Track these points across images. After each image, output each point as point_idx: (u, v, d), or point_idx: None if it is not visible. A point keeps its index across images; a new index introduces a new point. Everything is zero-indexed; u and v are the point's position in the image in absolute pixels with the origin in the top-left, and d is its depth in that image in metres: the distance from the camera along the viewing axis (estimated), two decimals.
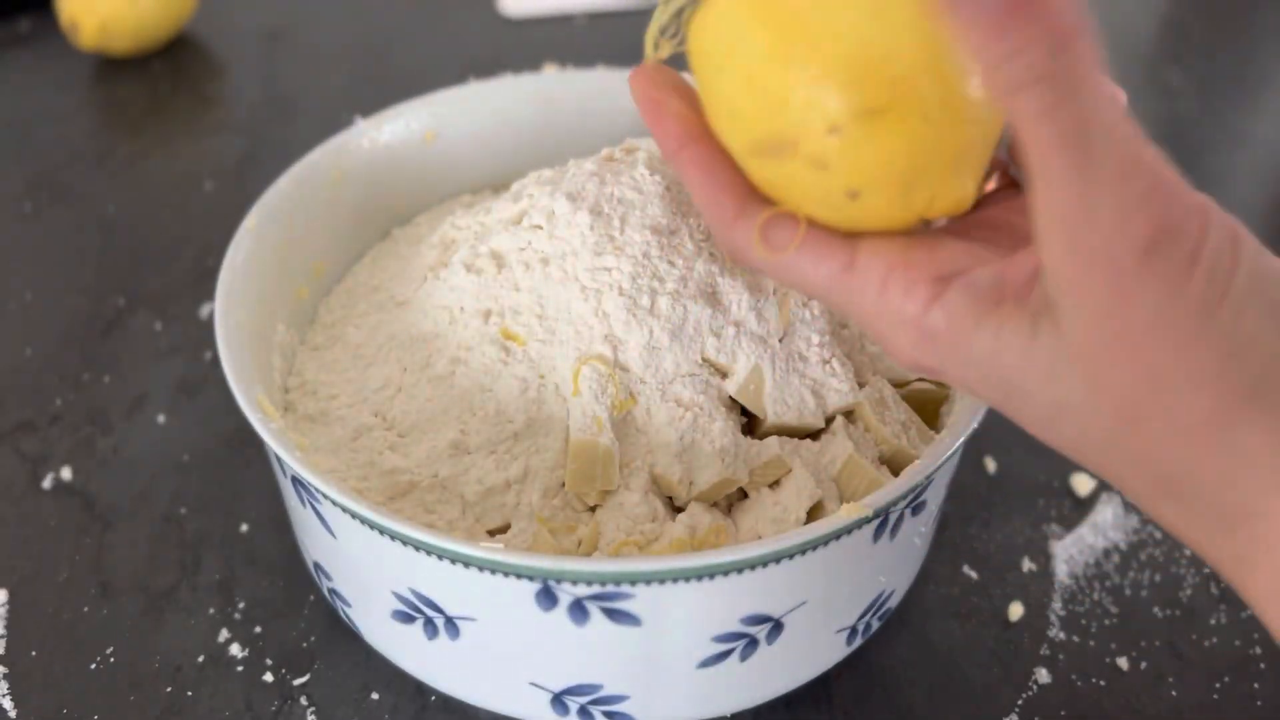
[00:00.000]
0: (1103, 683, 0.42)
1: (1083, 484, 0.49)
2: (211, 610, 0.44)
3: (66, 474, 0.49)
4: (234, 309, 0.39)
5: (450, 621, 0.35)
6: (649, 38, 0.32)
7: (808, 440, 0.38)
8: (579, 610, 0.33)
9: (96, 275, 0.60)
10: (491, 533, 0.37)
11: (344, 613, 0.40)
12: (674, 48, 0.31)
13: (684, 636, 0.34)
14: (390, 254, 0.48)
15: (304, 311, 0.45)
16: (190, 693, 0.41)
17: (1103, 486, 0.49)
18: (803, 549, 0.33)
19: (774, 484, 0.37)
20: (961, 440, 0.35)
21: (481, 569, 0.32)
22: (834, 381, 0.39)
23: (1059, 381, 0.26)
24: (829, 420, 0.39)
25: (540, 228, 0.39)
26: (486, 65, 0.56)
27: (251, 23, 0.83)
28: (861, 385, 0.40)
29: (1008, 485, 0.49)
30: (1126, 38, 0.83)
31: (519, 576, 0.32)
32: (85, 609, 0.44)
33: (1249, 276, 0.24)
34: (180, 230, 0.63)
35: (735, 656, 0.35)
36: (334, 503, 0.34)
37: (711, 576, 0.32)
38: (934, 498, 0.38)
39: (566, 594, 0.32)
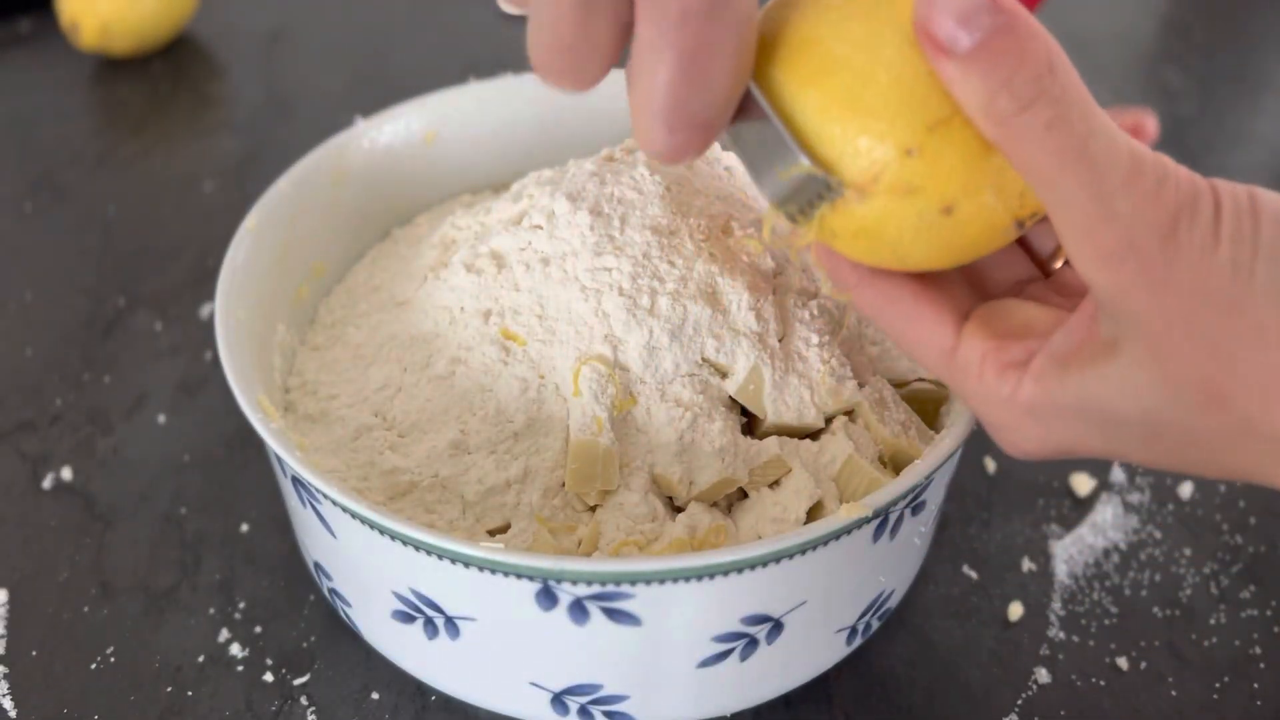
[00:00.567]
0: (1102, 683, 0.42)
1: (1082, 484, 0.49)
2: (212, 610, 0.44)
3: (67, 474, 0.49)
4: (234, 309, 0.39)
5: (450, 621, 0.35)
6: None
7: (807, 440, 0.38)
8: (579, 610, 0.33)
9: (97, 275, 0.60)
10: (491, 533, 0.37)
11: (344, 613, 0.40)
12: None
13: (684, 636, 0.34)
14: (390, 254, 0.48)
15: (304, 311, 0.45)
16: (190, 692, 0.41)
17: (1102, 486, 0.49)
18: (803, 549, 0.33)
19: (774, 484, 0.37)
20: (961, 440, 0.35)
21: (481, 569, 0.32)
22: (834, 381, 0.39)
23: (1142, 393, 0.26)
24: (829, 420, 0.39)
25: (540, 228, 0.39)
26: (486, 65, 0.56)
27: (252, 23, 0.83)
28: (861, 385, 0.40)
29: (1008, 485, 0.49)
30: (1126, 38, 0.83)
31: (519, 576, 0.32)
32: (85, 609, 0.44)
33: (1276, 227, 0.25)
34: (180, 230, 0.63)
35: (735, 656, 0.35)
36: (334, 503, 0.34)
37: (711, 576, 0.32)
38: (934, 498, 0.38)
39: (566, 594, 0.32)
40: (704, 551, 0.32)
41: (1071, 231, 0.26)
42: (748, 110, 0.29)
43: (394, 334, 0.41)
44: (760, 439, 0.38)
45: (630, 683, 0.35)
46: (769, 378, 0.38)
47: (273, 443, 0.34)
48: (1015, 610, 0.44)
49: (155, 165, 0.69)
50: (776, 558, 0.32)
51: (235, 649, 0.42)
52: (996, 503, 0.48)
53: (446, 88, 0.50)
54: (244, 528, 0.47)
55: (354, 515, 0.33)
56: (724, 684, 0.36)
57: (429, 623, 0.36)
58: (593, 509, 0.37)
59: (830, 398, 0.39)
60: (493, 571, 0.32)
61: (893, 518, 0.35)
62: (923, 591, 0.44)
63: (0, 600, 0.44)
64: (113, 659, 0.42)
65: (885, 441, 0.38)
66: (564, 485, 0.37)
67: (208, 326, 0.56)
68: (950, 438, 0.35)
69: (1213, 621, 0.44)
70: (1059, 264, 0.33)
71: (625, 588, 0.32)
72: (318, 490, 0.34)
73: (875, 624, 0.40)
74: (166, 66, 0.78)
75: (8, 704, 0.40)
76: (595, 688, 0.35)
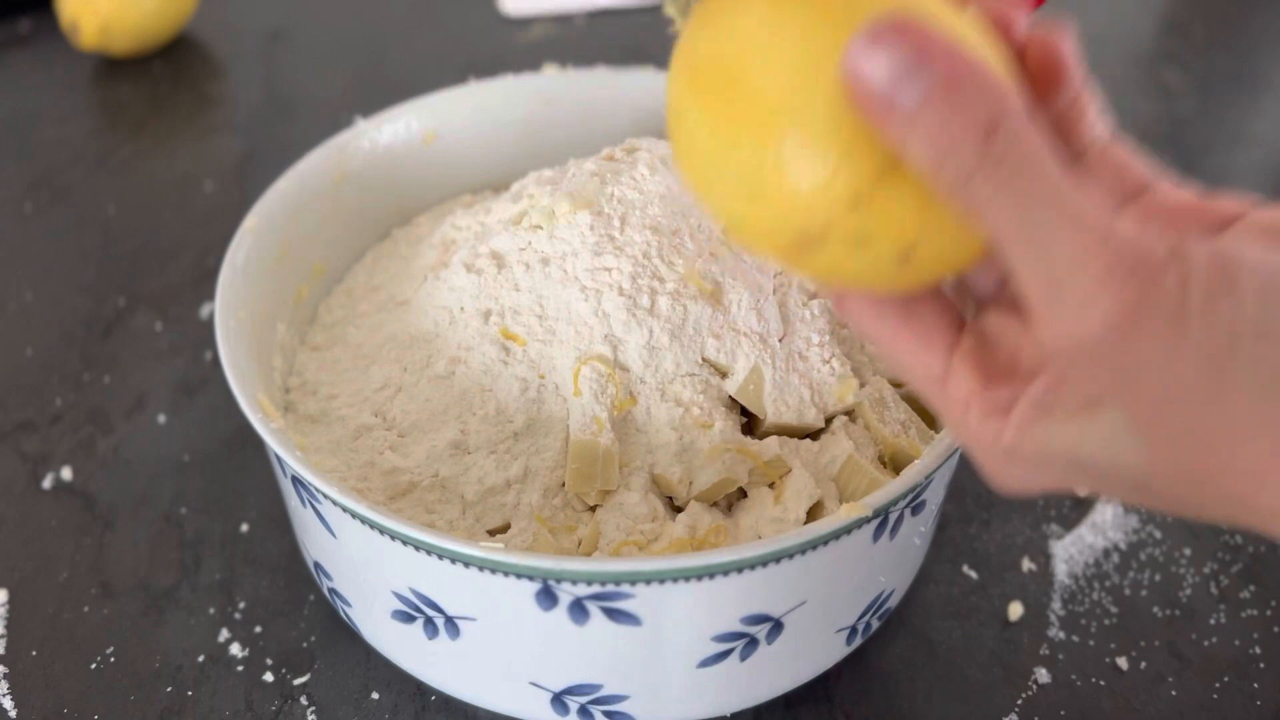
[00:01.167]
0: (1102, 683, 0.42)
1: None
2: (212, 610, 0.44)
3: (67, 474, 0.49)
4: (234, 309, 0.39)
5: (450, 621, 0.35)
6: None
7: (808, 440, 0.39)
8: (579, 610, 0.33)
9: (97, 275, 0.60)
10: (492, 532, 0.37)
11: (344, 612, 0.40)
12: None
13: (684, 636, 0.34)
14: (390, 254, 0.48)
15: (304, 311, 0.45)
16: (190, 692, 0.41)
17: None
18: (803, 549, 0.33)
19: (774, 484, 0.37)
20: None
21: (482, 569, 0.32)
22: (834, 381, 0.39)
23: (1126, 458, 0.25)
24: (829, 420, 0.39)
25: (540, 228, 0.39)
26: (486, 65, 0.56)
27: (252, 23, 0.83)
28: (861, 385, 0.40)
29: None
30: (1126, 38, 0.83)
31: (519, 576, 0.32)
32: (86, 609, 0.44)
33: (1260, 299, 0.22)
34: (180, 230, 0.63)
35: (735, 656, 0.35)
36: (334, 502, 0.34)
37: (711, 576, 0.32)
38: (934, 498, 0.38)
39: (566, 594, 0.32)
40: (704, 551, 0.32)
41: (1029, 303, 0.24)
42: None
43: (394, 334, 0.41)
44: (760, 439, 0.38)
45: (630, 682, 0.35)
46: (769, 378, 0.38)
47: (273, 443, 0.34)
48: (1015, 610, 0.44)
49: (155, 165, 0.69)
50: (776, 558, 0.32)
51: (235, 649, 0.42)
52: (996, 503, 0.48)
53: (446, 88, 0.50)
54: (244, 528, 0.47)
55: (354, 515, 0.33)
56: (724, 684, 0.36)
57: (429, 622, 0.36)
58: (593, 509, 0.37)
59: (841, 385, 0.38)
60: (493, 571, 0.32)
61: (893, 517, 0.35)
62: (923, 591, 0.44)
63: (0, 600, 0.44)
64: (113, 659, 0.42)
65: (885, 441, 0.38)
66: (564, 485, 0.37)
67: (208, 326, 0.56)
68: (950, 437, 0.35)
69: (1213, 621, 0.44)
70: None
71: (625, 588, 0.32)
72: (318, 490, 0.34)
73: (875, 624, 0.40)
74: (166, 66, 0.78)
75: (8, 704, 0.40)
76: (595, 687, 0.35)
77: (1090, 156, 0.27)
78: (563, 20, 0.83)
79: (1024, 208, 0.23)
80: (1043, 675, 0.42)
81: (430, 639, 0.36)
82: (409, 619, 0.36)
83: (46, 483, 0.49)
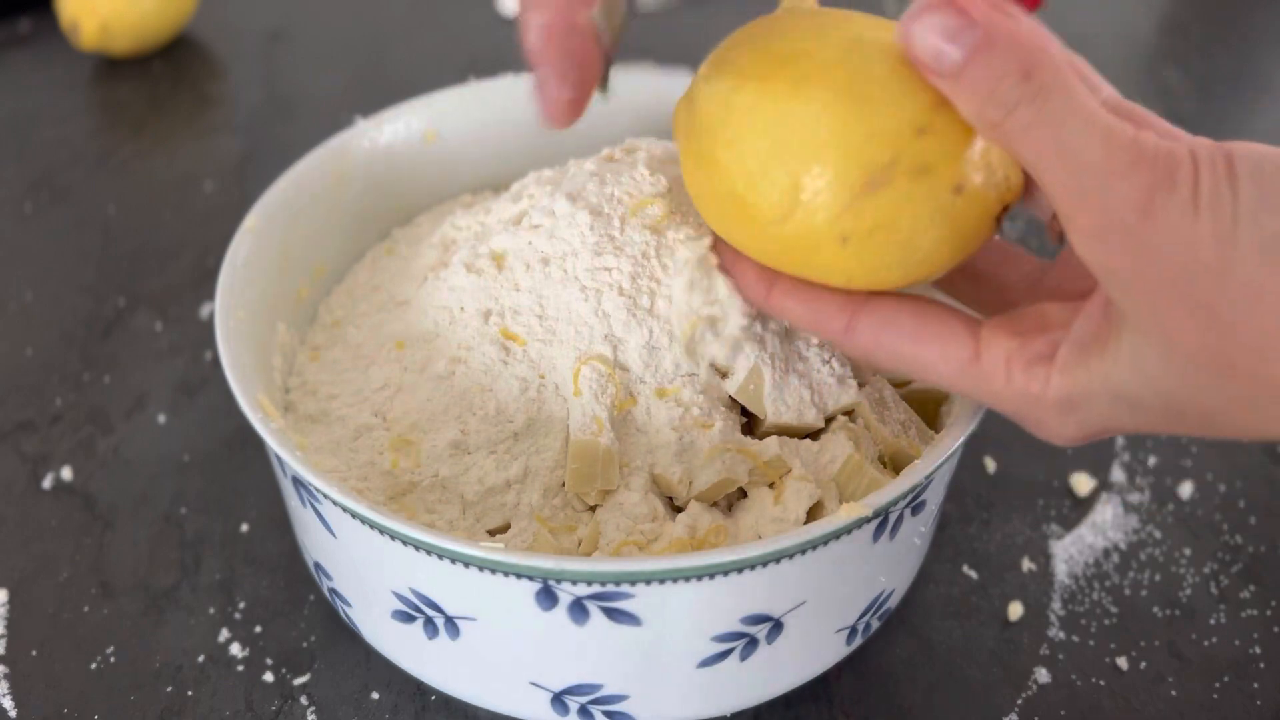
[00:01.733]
0: (1102, 683, 0.42)
1: (1082, 484, 0.49)
2: (212, 610, 0.44)
3: (67, 474, 0.49)
4: (234, 309, 0.39)
5: (450, 621, 0.35)
6: None
7: (807, 440, 0.38)
8: (579, 610, 0.33)
9: (97, 275, 0.60)
10: (491, 532, 0.37)
11: (344, 613, 0.40)
12: None
13: (684, 636, 0.34)
14: (390, 254, 0.48)
15: (304, 311, 0.45)
16: (190, 692, 0.41)
17: (1102, 486, 0.49)
18: (803, 549, 0.33)
19: (774, 484, 0.37)
20: (961, 440, 0.35)
21: (481, 569, 0.32)
22: (834, 381, 0.39)
23: (1153, 372, 0.27)
24: (829, 420, 0.39)
25: (540, 228, 0.39)
26: (486, 65, 0.56)
27: (252, 23, 0.83)
28: (861, 385, 0.40)
29: (1007, 485, 0.49)
30: (1126, 38, 0.83)
31: (519, 576, 0.32)
32: (85, 609, 0.44)
33: (1257, 188, 0.25)
34: (180, 230, 0.63)
35: (735, 656, 0.35)
36: (334, 502, 0.34)
37: (711, 576, 0.32)
38: (934, 498, 0.38)
39: (566, 594, 0.32)
40: (704, 551, 0.32)
41: (1063, 215, 0.27)
42: None
43: (394, 334, 0.41)
44: (760, 439, 0.38)
45: (630, 682, 0.35)
46: (769, 378, 0.38)
47: (273, 443, 0.34)
48: (1015, 610, 0.44)
49: (155, 165, 0.69)
50: (776, 558, 0.32)
51: (235, 649, 0.42)
52: (996, 503, 0.48)
53: (446, 88, 0.50)
54: (244, 528, 0.47)
55: (354, 515, 0.33)
56: (724, 684, 0.36)
57: (429, 623, 0.36)
58: (593, 509, 0.37)
59: (846, 376, 0.39)
60: (493, 571, 0.32)
61: (893, 517, 0.35)
62: (923, 591, 0.44)
63: (0, 600, 0.44)
64: (113, 659, 0.42)
65: (885, 441, 0.38)
66: (564, 485, 0.37)
67: (208, 326, 0.56)
68: (950, 437, 0.35)
69: (1213, 621, 0.44)
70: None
71: (625, 588, 0.32)
72: (318, 490, 0.34)
73: (875, 624, 0.40)
74: (166, 66, 0.78)
75: (8, 704, 0.40)
76: (595, 687, 0.35)
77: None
78: None
79: (1058, 126, 0.26)
80: (1043, 675, 0.42)
81: (430, 639, 0.36)
82: (409, 619, 0.36)
83: (46, 483, 0.49)
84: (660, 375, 0.37)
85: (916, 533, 0.38)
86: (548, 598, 0.32)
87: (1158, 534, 0.47)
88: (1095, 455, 0.50)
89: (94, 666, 0.42)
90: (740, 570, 0.32)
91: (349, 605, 0.39)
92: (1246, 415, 0.27)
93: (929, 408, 0.41)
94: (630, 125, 0.48)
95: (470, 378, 0.38)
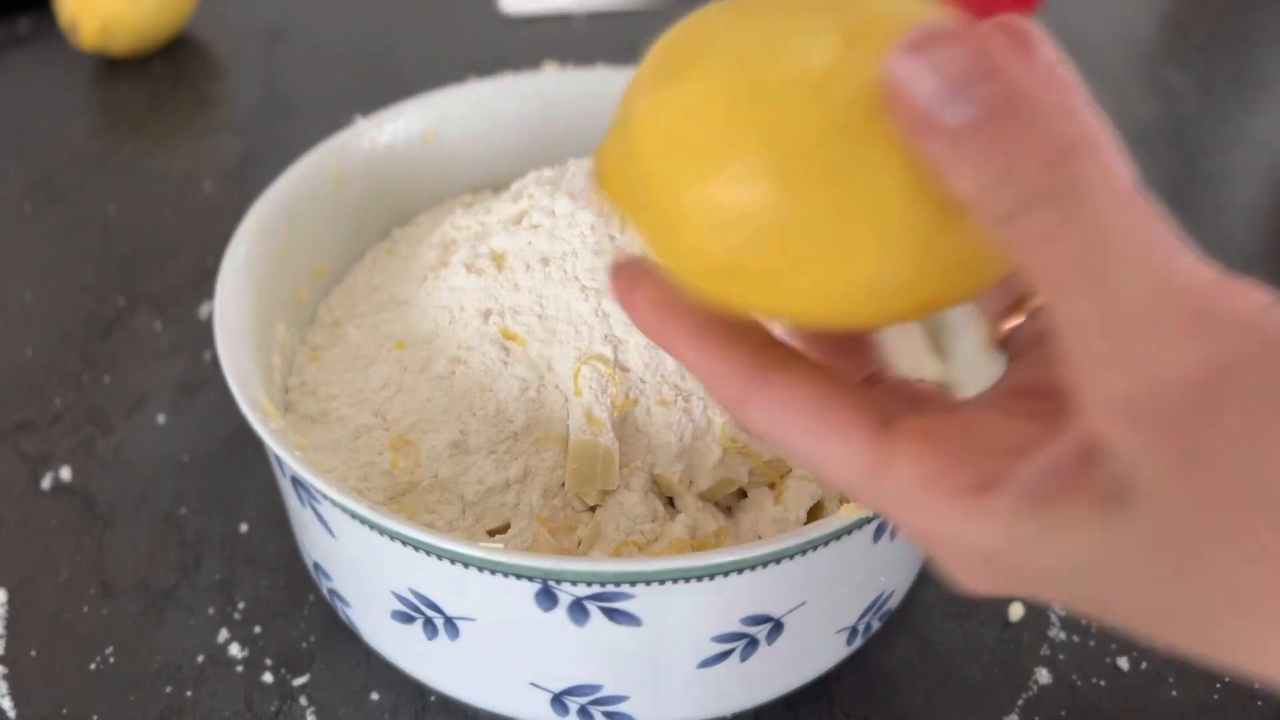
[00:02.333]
0: (1103, 683, 0.42)
1: None
2: (211, 610, 0.44)
3: (66, 474, 0.49)
4: (233, 309, 0.39)
5: (450, 622, 0.35)
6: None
7: None
8: (579, 610, 0.33)
9: (97, 275, 0.60)
10: (491, 533, 0.37)
11: (343, 613, 0.40)
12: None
13: (684, 636, 0.34)
14: (390, 254, 0.48)
15: (304, 311, 0.45)
16: (190, 693, 0.41)
17: None
18: (803, 549, 0.33)
19: (774, 484, 0.37)
20: None
21: (481, 569, 0.32)
22: None
23: (1145, 580, 0.20)
24: None
25: (540, 227, 0.39)
26: (486, 65, 0.56)
27: (252, 23, 0.83)
28: None
29: None
30: (1126, 38, 0.83)
31: (519, 577, 0.32)
32: (85, 609, 0.44)
33: None
34: (180, 230, 0.63)
35: (735, 656, 0.35)
36: (334, 503, 0.33)
37: (711, 577, 0.32)
38: None
39: (566, 594, 0.32)
40: (704, 552, 0.32)
41: (1077, 361, 0.20)
42: None
43: (394, 334, 0.41)
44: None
45: (630, 683, 0.35)
46: None
47: (272, 442, 0.34)
48: (1015, 610, 0.44)
49: (155, 165, 0.69)
50: (776, 558, 0.32)
51: (235, 649, 0.42)
52: None
53: (446, 87, 0.50)
54: (244, 528, 0.47)
55: (353, 515, 0.33)
56: (724, 684, 0.36)
57: (428, 623, 0.35)
58: (593, 509, 0.37)
59: None
60: (492, 572, 0.32)
61: None
62: (923, 591, 0.44)
63: (0, 600, 0.44)
64: (112, 659, 0.42)
65: None
66: (564, 485, 0.37)
67: (208, 326, 0.56)
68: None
69: None
70: (1011, 324, 0.26)
71: (625, 588, 0.32)
72: (317, 490, 0.34)
73: (876, 624, 0.40)
74: (166, 66, 0.78)
75: (7, 704, 0.40)
76: (595, 688, 0.35)
77: None
78: (562, 20, 0.83)
79: (1093, 243, 0.19)
80: (1043, 676, 0.42)
81: (430, 639, 0.36)
82: (408, 619, 0.36)
83: (46, 483, 0.49)
84: (661, 375, 0.37)
85: None
86: (547, 598, 0.32)
87: None
88: None
89: (93, 667, 0.42)
90: (740, 571, 0.32)
91: (348, 606, 0.39)
92: (1224, 656, 0.19)
93: None
94: None
95: (470, 378, 0.38)
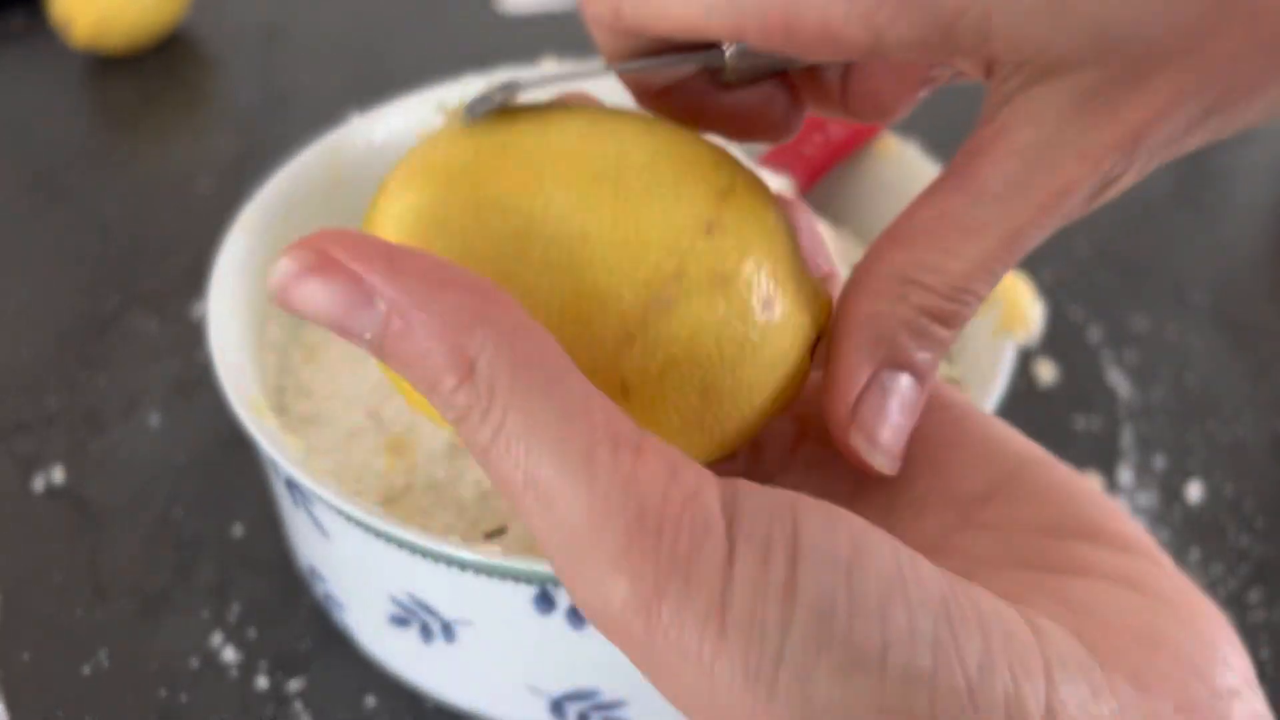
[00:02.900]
0: None
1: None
2: (205, 613, 0.43)
3: (60, 475, 0.49)
4: (226, 308, 0.39)
5: (446, 626, 0.34)
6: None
7: None
8: (577, 615, 0.32)
9: (91, 275, 0.60)
10: (488, 535, 0.36)
11: (339, 617, 0.39)
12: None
13: None
14: None
15: None
16: (184, 696, 0.40)
17: (1110, 487, 0.48)
18: None
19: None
20: None
21: (478, 573, 0.32)
22: None
23: None
24: None
25: None
26: (483, 61, 0.56)
27: (246, 20, 0.82)
28: None
29: None
30: None
31: (516, 580, 0.32)
32: (79, 612, 0.43)
33: (825, 605, 0.16)
34: (176, 229, 0.63)
35: None
36: (328, 505, 0.33)
37: None
38: None
39: (565, 598, 0.32)
40: None
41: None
42: None
43: None
44: None
45: (629, 688, 0.35)
46: None
47: (264, 445, 0.34)
48: None
49: (150, 164, 0.69)
50: None
51: (229, 653, 0.42)
52: None
53: (442, 83, 0.50)
54: (238, 530, 0.46)
55: (348, 518, 0.33)
56: None
57: (425, 627, 0.35)
58: None
59: None
60: (489, 575, 0.32)
61: None
62: None
63: None
64: (106, 662, 0.41)
65: None
66: None
67: (203, 326, 0.56)
68: None
69: None
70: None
71: None
72: (311, 493, 0.33)
73: None
74: (160, 64, 0.77)
75: (0, 708, 0.40)
76: (594, 693, 0.35)
77: None
78: (560, 15, 0.83)
79: (525, 452, 0.17)
80: None
81: (426, 644, 0.36)
82: (404, 623, 0.35)
83: (39, 484, 0.48)
84: None
85: None
86: (545, 602, 0.32)
87: (1165, 535, 0.46)
88: (1103, 456, 0.50)
89: (87, 670, 0.41)
90: None
91: (343, 609, 0.39)
92: None
93: None
94: None
95: None
